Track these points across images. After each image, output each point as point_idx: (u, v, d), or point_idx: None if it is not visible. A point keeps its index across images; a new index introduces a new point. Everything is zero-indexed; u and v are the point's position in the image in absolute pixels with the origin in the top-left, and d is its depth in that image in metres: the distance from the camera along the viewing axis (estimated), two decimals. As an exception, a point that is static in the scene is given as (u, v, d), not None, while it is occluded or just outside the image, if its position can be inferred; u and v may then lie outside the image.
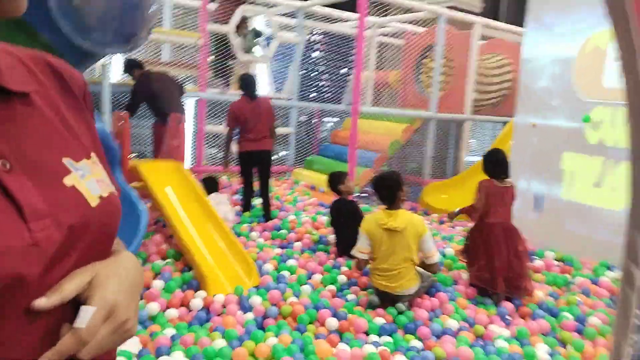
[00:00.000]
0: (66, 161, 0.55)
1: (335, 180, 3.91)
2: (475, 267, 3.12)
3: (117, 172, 3.28)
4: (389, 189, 2.92)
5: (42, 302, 0.49)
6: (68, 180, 0.54)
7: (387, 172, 3.17)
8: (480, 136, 8.96)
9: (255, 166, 4.54)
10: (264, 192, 4.53)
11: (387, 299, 2.90)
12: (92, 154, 0.61)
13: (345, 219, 3.66)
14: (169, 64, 5.92)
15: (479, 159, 7.23)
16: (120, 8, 3.82)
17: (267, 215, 4.50)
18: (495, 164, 3.26)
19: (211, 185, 4.53)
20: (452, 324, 2.72)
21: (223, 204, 4.27)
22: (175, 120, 4.11)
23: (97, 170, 0.59)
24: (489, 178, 3.24)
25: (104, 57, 4.40)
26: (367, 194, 5.99)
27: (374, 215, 2.99)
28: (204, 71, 5.55)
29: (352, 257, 3.52)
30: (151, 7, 3.94)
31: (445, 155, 7.08)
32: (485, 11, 10.55)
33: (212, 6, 6.05)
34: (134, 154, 5.12)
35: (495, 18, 9.93)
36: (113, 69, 5.50)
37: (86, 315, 0.51)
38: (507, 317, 2.90)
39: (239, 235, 3.89)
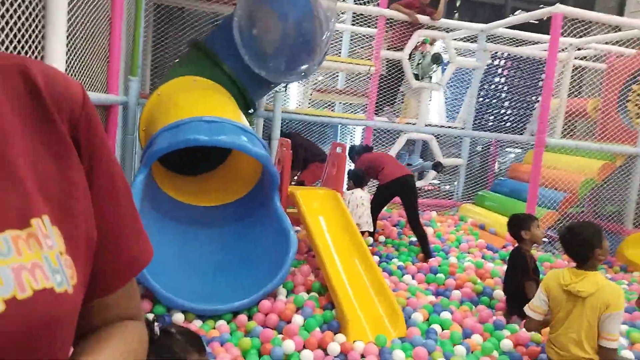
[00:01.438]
0: None
1: (519, 224, 3.19)
2: None
3: (275, 197, 3.29)
4: (583, 246, 2.35)
5: None
6: None
7: (583, 224, 2.52)
8: None
9: (397, 195, 4.31)
10: (414, 224, 4.17)
11: None
12: (41, 219, 0.41)
13: (522, 273, 3.08)
14: (342, 92, 5.99)
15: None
16: (294, 38, 3.94)
17: (425, 250, 4.11)
18: None
19: (357, 178, 4.29)
20: None
21: (361, 207, 4.05)
22: (336, 147, 4.04)
23: (29, 249, 0.39)
24: None
25: (279, 85, 4.60)
26: (549, 240, 5.18)
27: (557, 272, 2.47)
28: (373, 99, 5.46)
29: (523, 317, 3.02)
30: (324, 38, 3.99)
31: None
32: None
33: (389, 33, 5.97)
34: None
35: None
36: (286, 96, 5.77)
37: None
38: None
39: (390, 274, 3.61)
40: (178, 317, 2.67)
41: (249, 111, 4.28)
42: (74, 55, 2.84)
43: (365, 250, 3.23)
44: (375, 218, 4.37)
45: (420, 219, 4.30)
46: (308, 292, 3.13)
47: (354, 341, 2.61)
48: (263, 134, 5.17)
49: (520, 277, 3.04)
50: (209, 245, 3.20)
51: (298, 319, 2.75)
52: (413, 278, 3.63)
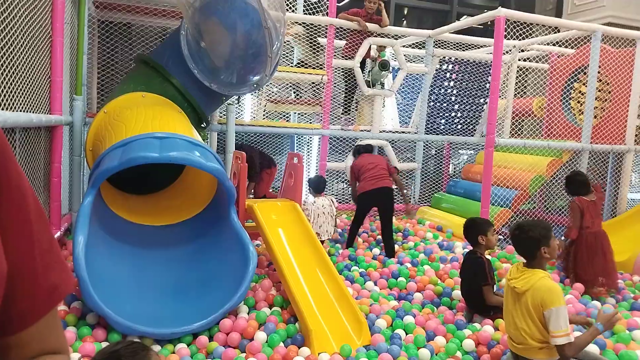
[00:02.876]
0: None
1: (476, 229, 3.19)
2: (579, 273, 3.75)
3: (232, 212, 3.24)
4: (530, 244, 2.40)
5: None
6: None
7: (533, 222, 2.54)
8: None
9: (375, 205, 4.54)
10: (386, 233, 4.39)
11: None
12: None
13: (480, 278, 3.13)
14: (295, 102, 5.99)
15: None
16: (244, 49, 3.90)
17: (388, 250, 4.32)
18: (581, 184, 3.93)
19: (314, 186, 4.39)
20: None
21: (322, 215, 4.11)
22: (293, 157, 4.02)
23: None
24: (579, 197, 3.84)
25: (230, 97, 4.54)
26: (503, 237, 5.32)
27: (511, 267, 2.53)
28: (328, 108, 5.48)
29: (487, 317, 3.08)
30: (274, 48, 3.98)
31: (602, 192, 6.06)
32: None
33: (340, 42, 6.02)
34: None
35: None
36: (240, 109, 5.71)
37: None
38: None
39: (352, 282, 3.61)
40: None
41: (202, 125, 4.20)
42: (13, 75, 2.71)
43: (326, 260, 3.21)
44: (354, 229, 4.57)
45: (392, 232, 4.46)
46: (270, 307, 3.08)
47: (319, 353, 2.58)
48: (218, 147, 5.09)
49: (479, 282, 3.09)
50: (166, 265, 3.10)
51: (261, 336, 2.70)
52: (375, 284, 3.64)
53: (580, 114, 5.94)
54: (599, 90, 5.72)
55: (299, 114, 6.42)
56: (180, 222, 3.40)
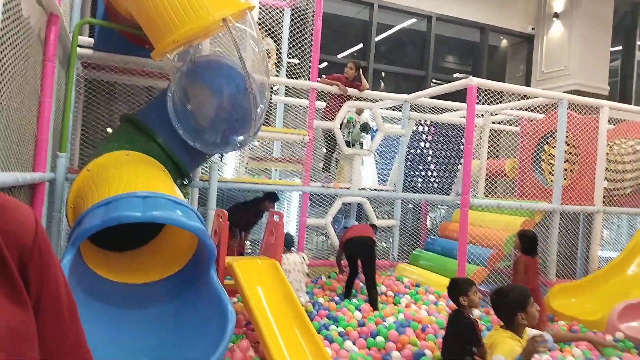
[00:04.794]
0: None
1: (458, 290, 3.21)
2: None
3: (211, 270, 3.25)
4: (507, 309, 2.47)
5: None
6: None
7: (512, 288, 2.62)
8: (616, 228, 7.86)
9: (358, 256, 4.80)
10: (368, 283, 4.64)
11: None
12: None
13: (457, 338, 3.15)
14: (277, 159, 6.13)
15: (614, 255, 6.31)
16: (229, 112, 4.05)
17: (372, 303, 4.53)
18: (533, 242, 4.35)
19: (285, 242, 4.35)
20: None
21: (294, 272, 4.15)
22: (274, 215, 4.09)
23: None
24: (527, 255, 4.27)
25: (212, 156, 4.65)
26: (482, 295, 5.39)
27: (492, 330, 2.60)
28: (308, 166, 5.63)
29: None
30: (258, 111, 4.13)
31: (574, 251, 6.24)
32: (613, 93, 9.73)
33: (321, 104, 6.26)
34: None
35: (624, 101, 9.08)
36: (224, 166, 5.81)
37: None
38: None
39: (331, 342, 3.60)
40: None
41: (184, 182, 4.27)
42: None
43: (305, 320, 3.22)
44: (348, 279, 4.90)
45: (374, 283, 4.65)
46: (248, 368, 3.05)
47: (297, 417, 2.55)
48: (199, 204, 5.14)
49: (457, 342, 3.09)
50: (144, 325, 3.06)
51: (238, 399, 2.66)
52: (354, 344, 3.64)
53: (550, 175, 6.20)
54: (568, 154, 6.01)
55: (280, 170, 6.56)
56: (159, 280, 3.39)
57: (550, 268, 5.74)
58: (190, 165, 4.31)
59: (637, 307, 4.44)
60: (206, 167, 4.98)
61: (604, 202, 5.97)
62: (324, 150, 6.25)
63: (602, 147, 5.82)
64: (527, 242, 4.38)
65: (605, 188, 5.96)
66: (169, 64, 3.70)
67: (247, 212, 5.46)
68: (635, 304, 4.48)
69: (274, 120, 6.64)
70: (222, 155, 5.42)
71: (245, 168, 5.85)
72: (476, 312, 4.37)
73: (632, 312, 4.42)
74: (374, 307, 4.51)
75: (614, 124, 6.38)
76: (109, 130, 5.08)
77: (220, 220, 3.77)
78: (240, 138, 4.19)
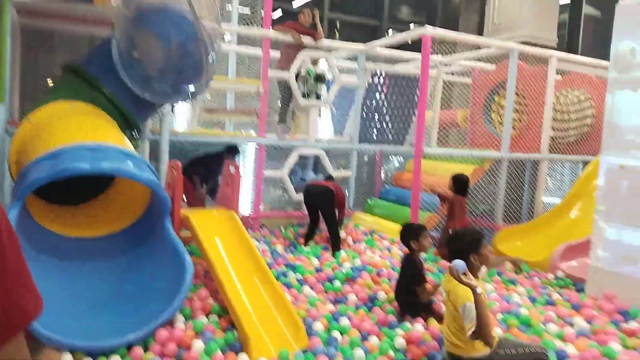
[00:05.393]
0: None
1: (409, 234, 3.37)
2: None
3: (166, 222, 3.22)
4: (461, 252, 2.58)
5: None
6: None
7: (464, 232, 2.72)
8: (559, 176, 8.28)
9: (317, 206, 4.94)
10: (329, 229, 4.84)
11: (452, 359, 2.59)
12: None
13: (414, 279, 3.31)
14: (230, 111, 6.01)
15: (557, 200, 6.67)
16: (179, 60, 3.90)
17: (333, 244, 4.76)
18: (466, 185, 4.78)
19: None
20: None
21: None
22: (230, 167, 4.04)
23: None
24: (460, 195, 4.71)
25: (163, 107, 4.50)
26: (432, 241, 5.61)
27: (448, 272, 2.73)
28: (264, 117, 5.54)
29: (417, 316, 3.25)
30: (209, 59, 4.00)
31: (520, 197, 6.54)
32: (560, 45, 9.98)
33: (276, 53, 6.12)
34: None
35: (572, 52, 9.34)
36: (175, 118, 5.65)
37: None
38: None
39: (289, 288, 3.68)
40: (66, 359, 2.49)
41: (134, 135, 4.13)
42: None
43: (264, 267, 3.26)
44: (309, 229, 5.10)
45: (334, 224, 4.84)
46: (207, 316, 3.08)
47: (257, 359, 2.62)
48: (150, 158, 5.01)
49: (413, 283, 3.27)
50: (99, 278, 3.02)
51: (198, 345, 2.70)
52: (312, 289, 3.73)
53: (500, 125, 6.39)
54: (517, 104, 6.18)
55: (234, 122, 6.45)
56: (113, 234, 3.33)
57: (498, 213, 6.02)
58: (140, 117, 4.16)
59: (576, 249, 4.74)
60: (157, 119, 4.82)
61: (549, 150, 6.23)
62: (279, 101, 6.16)
63: (550, 97, 6.02)
64: (461, 184, 4.80)
65: (550, 137, 6.20)
66: (112, 10, 3.49)
67: (208, 164, 5.33)
68: (575, 245, 4.77)
69: (226, 70, 6.46)
70: (173, 106, 5.26)
71: (198, 120, 5.71)
72: (423, 256, 4.57)
73: (572, 252, 4.72)
74: (335, 247, 4.72)
75: (561, 75, 6.58)
76: (50, 81, 4.80)
77: (174, 172, 3.70)
78: (192, 88, 4.07)
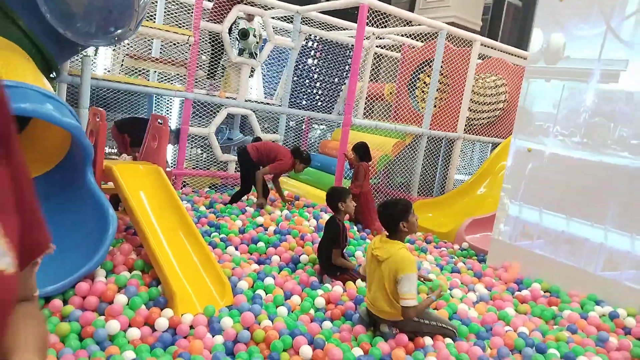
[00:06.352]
0: None
1: (336, 197, 3.59)
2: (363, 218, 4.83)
3: (88, 172, 3.06)
4: (391, 220, 2.74)
5: None
6: None
7: (395, 201, 2.87)
8: (468, 155, 8.86)
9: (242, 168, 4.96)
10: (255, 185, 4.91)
11: (371, 319, 2.79)
12: None
13: (333, 240, 3.46)
14: (157, 60, 5.71)
15: (466, 178, 7.18)
16: (106, 1, 3.62)
17: (234, 196, 4.91)
18: (367, 152, 5.05)
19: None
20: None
21: None
22: (156, 120, 3.88)
23: None
24: (364, 162, 4.97)
25: (86, 48, 4.19)
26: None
27: (375, 238, 2.87)
28: (193, 70, 5.34)
29: (336, 278, 3.41)
30: (141, 3, 3.76)
31: (434, 173, 6.95)
32: (484, 31, 10.51)
33: (208, 4, 5.86)
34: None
35: (493, 37, 9.88)
36: (96, 61, 5.28)
37: None
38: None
39: (214, 247, 3.68)
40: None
41: (51, 75, 3.83)
42: None
43: (190, 224, 3.23)
44: (237, 193, 5.02)
45: (250, 183, 4.90)
46: (130, 271, 3.02)
47: (182, 314, 2.64)
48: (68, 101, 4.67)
49: (331, 244, 3.43)
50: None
51: (121, 299, 2.65)
52: (236, 249, 3.76)
53: (423, 102, 6.68)
54: (440, 83, 6.48)
55: (159, 73, 6.15)
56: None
57: (413, 186, 6.36)
58: (58, 56, 3.85)
59: (481, 222, 5.17)
60: (77, 60, 4.48)
61: (465, 130, 6.64)
62: (209, 55, 5.94)
63: (470, 79, 6.37)
64: (362, 151, 5.03)
65: (467, 117, 6.60)
66: None
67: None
68: (479, 219, 5.20)
69: (154, 16, 6.10)
70: (96, 50, 4.90)
71: (121, 66, 5.38)
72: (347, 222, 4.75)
73: (477, 226, 5.15)
74: (234, 197, 4.91)
75: (481, 59, 6.96)
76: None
77: (98, 119, 3.49)
78: (119, 30, 3.83)
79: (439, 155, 6.99)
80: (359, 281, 3.39)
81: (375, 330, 2.78)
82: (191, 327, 2.59)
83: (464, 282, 3.76)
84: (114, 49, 5.31)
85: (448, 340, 2.76)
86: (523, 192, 4.27)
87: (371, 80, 7.31)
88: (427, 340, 2.72)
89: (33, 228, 0.60)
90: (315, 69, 6.63)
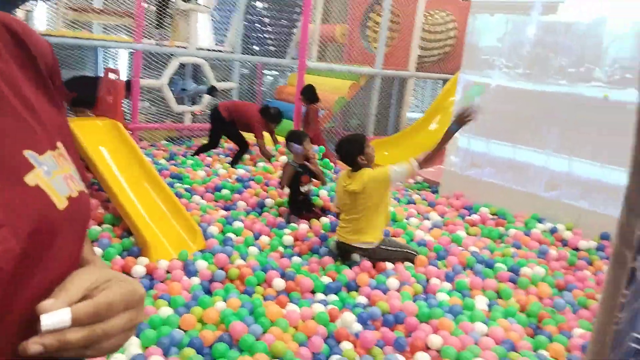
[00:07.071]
0: (28, 154, 0.46)
1: (294, 140, 3.72)
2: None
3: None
4: (349, 154, 2.91)
5: (48, 305, 0.42)
6: (30, 179, 0.45)
7: (350, 137, 3.06)
8: (420, 93, 9.07)
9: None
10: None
11: (342, 250, 3.00)
12: (59, 144, 0.51)
13: (294, 181, 3.62)
14: (101, 11, 5.49)
15: (419, 116, 7.40)
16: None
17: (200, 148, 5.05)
18: (314, 94, 5.14)
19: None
20: (392, 282, 2.78)
21: None
22: (110, 74, 3.83)
23: (64, 164, 0.50)
24: (312, 104, 5.11)
25: (23, 3, 4.00)
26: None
27: (341, 174, 3.07)
28: (140, 20, 5.18)
29: (301, 217, 3.60)
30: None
31: (387, 112, 7.12)
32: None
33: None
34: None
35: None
36: (37, 16, 5.03)
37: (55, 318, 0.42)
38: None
39: (179, 197, 3.76)
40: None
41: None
42: None
43: (155, 176, 3.29)
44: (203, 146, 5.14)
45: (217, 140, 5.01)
46: (100, 225, 3.09)
47: (158, 261, 2.76)
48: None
49: (295, 183, 3.59)
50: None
51: (95, 251, 2.74)
52: (202, 198, 3.87)
53: (375, 42, 6.74)
54: (391, 22, 6.53)
55: (103, 25, 5.92)
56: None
57: (369, 126, 6.53)
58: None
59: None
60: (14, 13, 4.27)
61: (416, 68, 6.79)
62: (154, 4, 5.75)
63: (420, 16, 6.44)
64: (309, 93, 5.17)
65: (419, 55, 6.73)
66: None
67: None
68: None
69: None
70: (35, 2, 4.67)
71: (64, 20, 5.15)
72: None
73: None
74: (198, 151, 5.02)
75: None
76: None
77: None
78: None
79: (393, 95, 7.16)
80: (323, 218, 3.59)
81: (345, 260, 3.00)
82: (167, 272, 2.72)
83: (419, 211, 4.03)
84: (56, 2, 5.06)
85: (407, 263, 3.02)
86: (471, 124, 4.50)
87: (324, 22, 7.26)
88: (389, 264, 2.97)
89: (78, 162, 0.68)
90: (265, 13, 6.53)
